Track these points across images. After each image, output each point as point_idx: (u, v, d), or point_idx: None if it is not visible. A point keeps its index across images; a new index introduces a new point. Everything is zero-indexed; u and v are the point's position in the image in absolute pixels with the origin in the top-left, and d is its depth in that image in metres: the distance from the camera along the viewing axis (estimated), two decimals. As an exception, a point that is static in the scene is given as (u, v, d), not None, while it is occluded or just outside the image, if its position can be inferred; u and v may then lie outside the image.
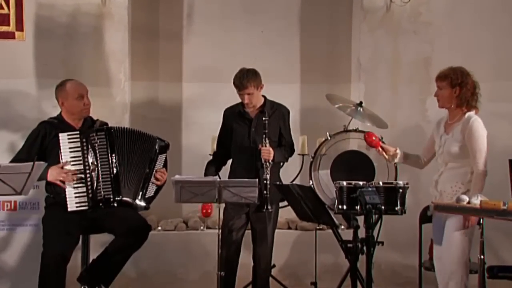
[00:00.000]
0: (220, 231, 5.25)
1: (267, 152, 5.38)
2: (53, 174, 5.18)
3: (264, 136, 5.38)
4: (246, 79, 5.44)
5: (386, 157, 5.29)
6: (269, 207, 5.32)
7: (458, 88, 4.97)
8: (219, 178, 5.47)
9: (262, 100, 5.61)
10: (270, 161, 5.38)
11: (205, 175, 5.67)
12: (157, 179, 5.47)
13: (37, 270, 5.14)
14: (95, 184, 5.27)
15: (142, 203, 5.42)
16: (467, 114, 4.97)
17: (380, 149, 5.26)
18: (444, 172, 5.02)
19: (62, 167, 5.19)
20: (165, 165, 5.56)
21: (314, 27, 7.15)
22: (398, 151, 5.28)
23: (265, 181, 5.33)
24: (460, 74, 5.00)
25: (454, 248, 4.89)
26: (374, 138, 5.25)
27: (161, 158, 5.51)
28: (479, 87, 5.04)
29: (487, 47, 6.68)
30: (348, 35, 7.09)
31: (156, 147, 5.47)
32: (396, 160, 5.32)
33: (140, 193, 5.41)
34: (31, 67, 6.38)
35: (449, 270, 4.91)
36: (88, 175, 5.26)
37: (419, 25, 6.79)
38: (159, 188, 5.51)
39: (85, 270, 5.46)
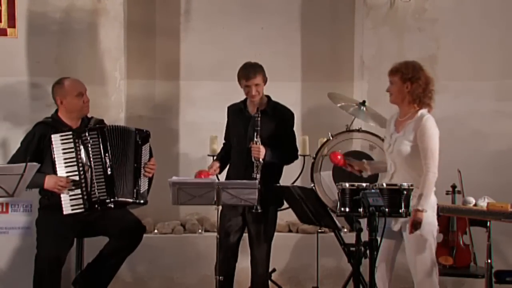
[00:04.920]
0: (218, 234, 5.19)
1: (257, 150, 5.29)
2: (50, 183, 5.15)
3: (255, 133, 5.30)
4: (254, 69, 5.38)
5: (356, 172, 5.15)
6: (258, 207, 5.21)
7: (409, 83, 4.79)
8: (218, 179, 5.37)
9: (266, 99, 5.54)
10: (260, 160, 5.29)
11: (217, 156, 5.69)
12: (147, 171, 5.41)
13: (30, 274, 5.14)
14: (89, 186, 5.23)
15: (139, 200, 5.38)
16: (419, 112, 4.79)
17: (348, 166, 5.14)
18: (395, 174, 4.85)
19: (59, 178, 5.15)
20: (151, 155, 5.51)
21: (315, 23, 7.08)
22: (365, 165, 5.13)
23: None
24: (411, 68, 4.83)
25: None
26: (339, 157, 5.13)
27: (145, 149, 5.45)
28: (433, 84, 4.87)
29: (494, 45, 6.64)
30: (350, 32, 7.04)
31: (137, 139, 5.41)
32: (368, 173, 5.17)
33: (135, 190, 5.36)
34: (23, 64, 6.33)
35: None
36: (82, 177, 5.22)
37: (424, 21, 6.73)
38: (151, 179, 5.47)
39: (80, 274, 5.44)
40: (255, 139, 5.28)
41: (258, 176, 5.24)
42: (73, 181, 5.17)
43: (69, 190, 5.16)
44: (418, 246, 4.74)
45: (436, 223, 4.82)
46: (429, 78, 4.84)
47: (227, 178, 5.47)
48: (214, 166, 5.49)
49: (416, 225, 4.64)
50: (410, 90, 4.79)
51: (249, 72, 5.36)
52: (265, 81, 5.43)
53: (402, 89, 4.81)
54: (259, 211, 5.23)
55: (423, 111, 4.79)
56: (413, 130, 4.74)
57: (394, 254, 4.95)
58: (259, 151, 5.27)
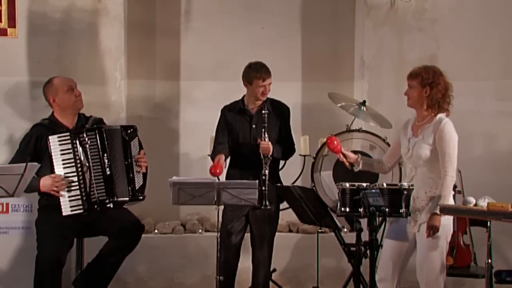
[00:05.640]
0: (219, 234, 5.18)
1: (266, 146, 5.31)
2: (45, 185, 5.14)
3: (263, 130, 5.33)
4: (267, 69, 5.48)
5: (347, 164, 5.13)
6: (267, 203, 5.23)
7: (429, 88, 4.78)
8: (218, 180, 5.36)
9: None
10: (269, 156, 5.32)
11: (214, 152, 5.58)
12: (140, 166, 5.39)
13: (30, 274, 5.14)
14: (88, 187, 5.22)
15: (136, 197, 5.38)
16: (438, 116, 4.79)
17: (341, 155, 5.11)
18: (416, 177, 4.84)
19: (54, 177, 5.14)
20: (140, 147, 5.49)
21: (316, 23, 7.07)
22: (359, 159, 5.12)
23: (263, 177, 5.27)
24: (432, 73, 4.82)
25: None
26: (335, 142, 5.11)
27: (134, 144, 5.44)
28: (452, 89, 4.86)
29: (494, 45, 6.63)
30: (351, 32, 7.03)
31: (124, 135, 5.39)
32: (358, 168, 5.15)
33: (130, 188, 5.35)
34: (23, 64, 6.31)
35: None
36: (81, 178, 5.21)
37: (424, 21, 6.73)
38: (145, 174, 5.46)
39: (80, 274, 5.44)
40: (264, 135, 5.30)
41: (267, 172, 5.27)
42: (68, 177, 5.16)
43: (68, 190, 5.16)
44: (429, 246, 4.73)
45: (451, 227, 4.83)
46: (448, 83, 4.84)
47: (230, 177, 5.47)
48: (221, 159, 5.45)
49: (433, 228, 4.64)
50: (429, 95, 4.78)
51: (265, 72, 5.44)
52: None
53: (421, 94, 4.80)
54: (268, 207, 5.24)
55: (441, 115, 4.79)
56: (432, 134, 4.75)
57: (405, 258, 4.92)
58: (268, 148, 5.29)
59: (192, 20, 6.98)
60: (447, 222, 4.74)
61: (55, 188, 5.12)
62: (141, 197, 5.40)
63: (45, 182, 5.13)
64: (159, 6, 6.92)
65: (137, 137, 5.46)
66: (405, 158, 4.94)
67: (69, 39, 6.35)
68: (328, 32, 7.07)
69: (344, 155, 5.10)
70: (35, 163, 4.59)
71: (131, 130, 5.44)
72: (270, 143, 5.32)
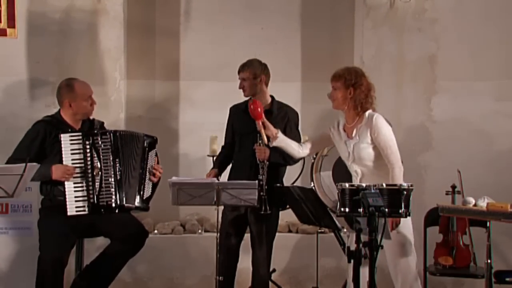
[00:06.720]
0: (218, 234, 5.17)
1: (261, 151, 5.27)
2: (58, 173, 5.11)
3: (258, 135, 5.26)
4: (246, 64, 5.46)
5: (264, 136, 5.10)
6: (267, 208, 5.20)
7: (352, 89, 4.82)
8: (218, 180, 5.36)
9: (269, 99, 5.55)
10: (265, 161, 5.27)
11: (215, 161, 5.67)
12: (153, 175, 5.37)
13: (30, 274, 5.13)
14: (97, 189, 5.19)
15: (142, 206, 5.35)
16: (367, 113, 4.82)
17: (261, 123, 5.07)
18: (364, 179, 4.86)
19: (66, 165, 5.12)
20: (157, 161, 5.48)
21: (315, 23, 7.09)
22: (279, 134, 5.09)
23: (260, 182, 5.22)
24: (354, 74, 4.86)
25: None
26: (259, 110, 5.07)
27: (151, 155, 5.42)
28: (374, 89, 4.90)
29: (494, 45, 6.63)
30: (350, 32, 7.04)
31: (145, 144, 5.38)
32: (274, 144, 5.11)
33: (138, 196, 5.32)
34: (23, 65, 6.32)
35: None
36: (90, 179, 5.18)
37: (424, 22, 6.72)
38: (155, 185, 5.44)
39: (79, 276, 5.40)
40: (259, 140, 5.27)
41: (264, 177, 5.23)
42: (80, 181, 5.15)
43: (75, 190, 5.13)
44: (399, 243, 4.77)
45: (410, 218, 4.83)
46: (370, 84, 4.89)
47: (231, 178, 5.46)
48: (212, 174, 5.50)
49: (395, 222, 4.68)
50: (352, 96, 4.83)
51: (241, 66, 5.47)
52: (257, 77, 5.42)
53: (345, 95, 4.85)
54: (268, 212, 5.22)
55: (370, 112, 4.83)
56: (367, 132, 4.78)
57: None
58: (263, 153, 5.27)
59: (192, 20, 6.99)
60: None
61: (66, 176, 5.10)
62: (146, 208, 5.38)
63: (58, 170, 5.11)
64: (159, 6, 6.94)
65: (155, 149, 5.44)
66: (348, 163, 4.95)
67: (69, 39, 6.35)
68: (327, 32, 7.08)
69: (264, 124, 5.07)
70: (35, 164, 4.55)
71: (152, 140, 5.43)
72: (266, 148, 5.26)
